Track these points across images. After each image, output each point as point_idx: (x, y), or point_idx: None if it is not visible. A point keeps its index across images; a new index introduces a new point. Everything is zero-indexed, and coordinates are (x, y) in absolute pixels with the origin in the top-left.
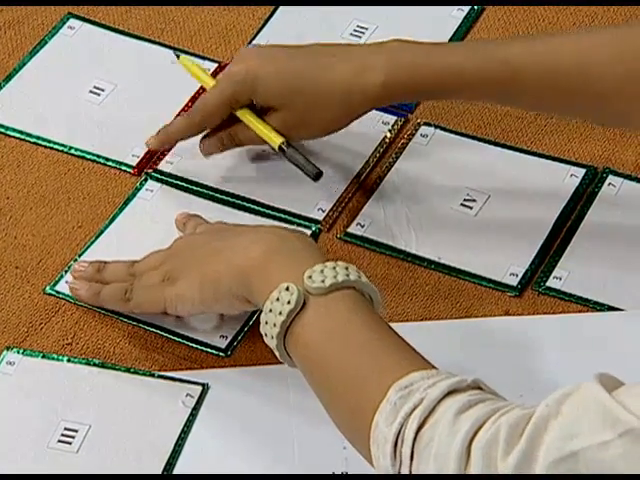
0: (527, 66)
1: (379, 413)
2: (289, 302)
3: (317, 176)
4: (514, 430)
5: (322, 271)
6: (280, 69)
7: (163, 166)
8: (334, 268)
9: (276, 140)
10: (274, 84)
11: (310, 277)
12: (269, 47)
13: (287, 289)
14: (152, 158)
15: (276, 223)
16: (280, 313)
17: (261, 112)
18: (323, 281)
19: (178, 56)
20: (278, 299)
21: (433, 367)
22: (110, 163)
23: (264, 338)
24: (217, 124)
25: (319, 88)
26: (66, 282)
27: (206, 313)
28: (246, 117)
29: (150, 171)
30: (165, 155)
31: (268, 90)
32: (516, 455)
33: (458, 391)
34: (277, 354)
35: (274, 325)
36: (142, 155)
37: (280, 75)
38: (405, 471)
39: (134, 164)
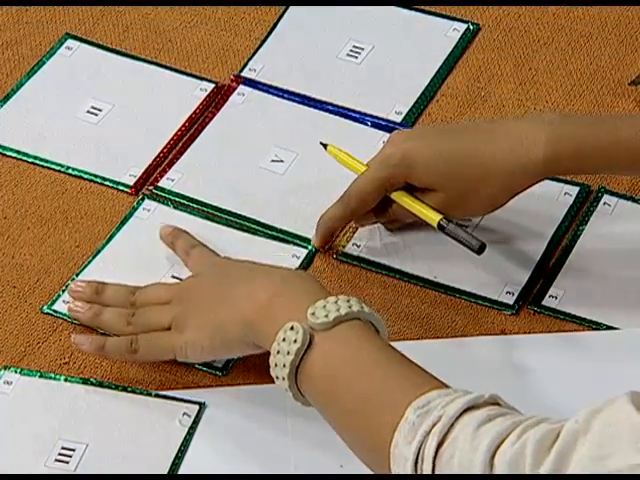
0: None
1: (398, 433)
2: (295, 341)
3: (481, 249)
4: (541, 445)
5: (324, 306)
6: (438, 151)
7: (164, 183)
8: (336, 302)
9: (434, 218)
10: (433, 167)
11: (313, 314)
12: (420, 129)
13: (292, 328)
14: (149, 178)
15: (275, 243)
16: (288, 353)
17: (414, 189)
18: (327, 316)
19: (325, 146)
20: (284, 339)
21: (446, 386)
22: (107, 183)
23: (276, 381)
24: (372, 207)
25: (479, 169)
26: (64, 302)
27: (217, 358)
28: (401, 199)
29: (151, 188)
30: (166, 172)
31: (426, 173)
32: (547, 467)
33: (476, 407)
34: (290, 395)
35: (284, 366)
36: (139, 174)
37: (438, 157)
38: None
39: (131, 183)
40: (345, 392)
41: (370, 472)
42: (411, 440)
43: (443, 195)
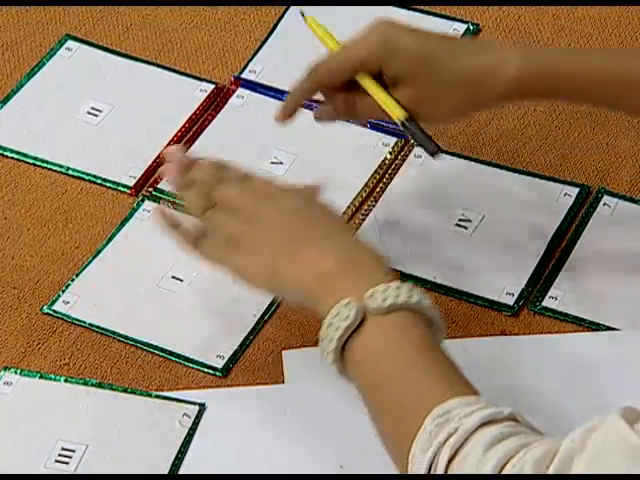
0: None
1: (416, 441)
2: (347, 317)
3: (435, 152)
4: (539, 466)
5: (385, 290)
6: (421, 46)
7: (164, 185)
8: (397, 288)
9: (399, 113)
10: (412, 56)
11: (372, 296)
12: (404, 25)
13: (346, 305)
14: (149, 179)
15: None
16: (337, 328)
17: (383, 83)
18: (384, 300)
19: (303, 14)
20: (337, 314)
21: (475, 391)
22: (107, 184)
23: (321, 355)
24: (336, 86)
25: (455, 68)
26: (64, 302)
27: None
28: (369, 84)
29: (151, 189)
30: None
31: (406, 62)
32: None
33: (494, 422)
34: (334, 369)
35: (331, 340)
36: (139, 176)
37: (421, 51)
38: None
39: (131, 185)
40: (377, 386)
41: (370, 472)
42: (426, 449)
43: (413, 91)
